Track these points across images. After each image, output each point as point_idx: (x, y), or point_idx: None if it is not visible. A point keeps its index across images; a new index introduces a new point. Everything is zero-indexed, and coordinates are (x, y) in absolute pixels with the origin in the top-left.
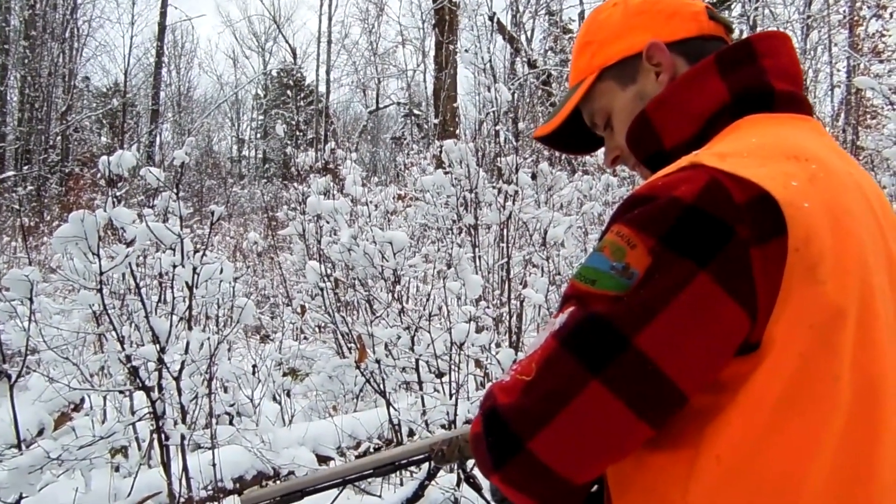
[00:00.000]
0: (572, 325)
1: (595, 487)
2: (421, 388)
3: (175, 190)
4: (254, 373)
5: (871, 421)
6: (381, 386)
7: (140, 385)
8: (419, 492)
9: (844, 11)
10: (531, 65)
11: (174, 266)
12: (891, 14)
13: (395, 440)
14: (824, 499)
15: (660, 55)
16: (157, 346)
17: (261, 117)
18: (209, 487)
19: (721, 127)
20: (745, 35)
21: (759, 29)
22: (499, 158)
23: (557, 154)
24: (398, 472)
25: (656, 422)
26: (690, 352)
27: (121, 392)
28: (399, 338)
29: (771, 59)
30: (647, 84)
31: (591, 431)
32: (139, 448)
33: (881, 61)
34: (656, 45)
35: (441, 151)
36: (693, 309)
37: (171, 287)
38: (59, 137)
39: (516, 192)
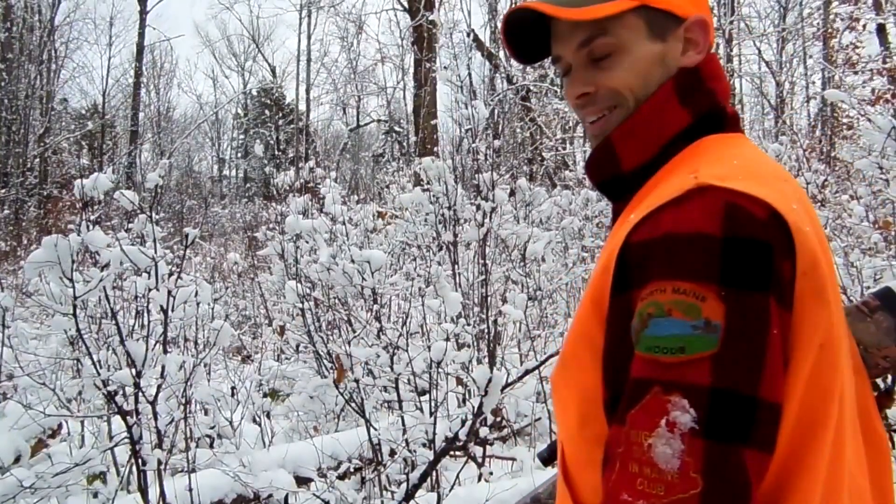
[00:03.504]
0: (703, 415)
1: None
2: (401, 407)
3: (149, 213)
4: (233, 394)
5: (841, 435)
6: (361, 405)
7: (116, 409)
8: None
9: (818, 24)
10: (510, 80)
11: (149, 289)
12: (863, 26)
13: (375, 460)
14: None
15: (701, 33)
16: (133, 370)
17: (241, 136)
18: None
19: (678, 149)
20: (721, 48)
21: (734, 42)
22: (476, 175)
23: (536, 170)
24: None
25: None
26: (789, 381)
27: (99, 417)
28: (378, 356)
29: (716, 82)
30: (672, 51)
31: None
32: (118, 474)
33: (855, 72)
34: (706, 22)
35: (420, 168)
36: (780, 339)
37: (147, 310)
38: (37, 160)
39: (493, 208)
